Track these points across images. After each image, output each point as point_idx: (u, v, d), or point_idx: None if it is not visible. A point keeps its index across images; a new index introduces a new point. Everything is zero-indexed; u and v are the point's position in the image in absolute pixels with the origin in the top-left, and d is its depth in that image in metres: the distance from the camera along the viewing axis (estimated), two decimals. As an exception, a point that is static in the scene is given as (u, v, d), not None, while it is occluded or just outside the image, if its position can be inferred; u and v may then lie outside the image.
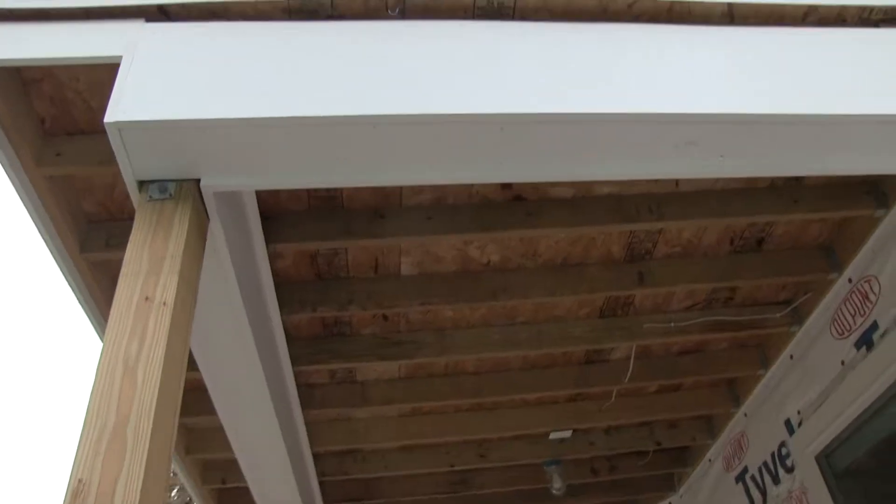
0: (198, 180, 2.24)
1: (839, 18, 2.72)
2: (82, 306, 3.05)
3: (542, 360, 4.04)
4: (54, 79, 2.50)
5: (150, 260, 2.08)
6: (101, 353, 1.92)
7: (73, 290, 2.99)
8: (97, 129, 2.66)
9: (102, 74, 2.47)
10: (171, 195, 2.20)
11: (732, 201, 3.25)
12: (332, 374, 3.86)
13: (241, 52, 2.31)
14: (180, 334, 2.03)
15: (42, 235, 2.79)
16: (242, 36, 2.35)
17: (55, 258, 2.88)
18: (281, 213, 2.99)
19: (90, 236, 2.93)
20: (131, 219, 2.93)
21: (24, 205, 2.68)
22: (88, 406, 1.84)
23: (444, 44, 2.44)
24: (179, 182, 2.22)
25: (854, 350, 3.47)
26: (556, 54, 2.48)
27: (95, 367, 1.90)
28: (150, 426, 1.81)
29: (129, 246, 2.11)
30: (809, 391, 3.77)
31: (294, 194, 2.95)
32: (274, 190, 2.89)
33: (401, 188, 2.98)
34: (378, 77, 2.30)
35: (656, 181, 3.16)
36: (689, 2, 2.60)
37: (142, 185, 2.24)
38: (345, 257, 3.21)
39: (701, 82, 2.50)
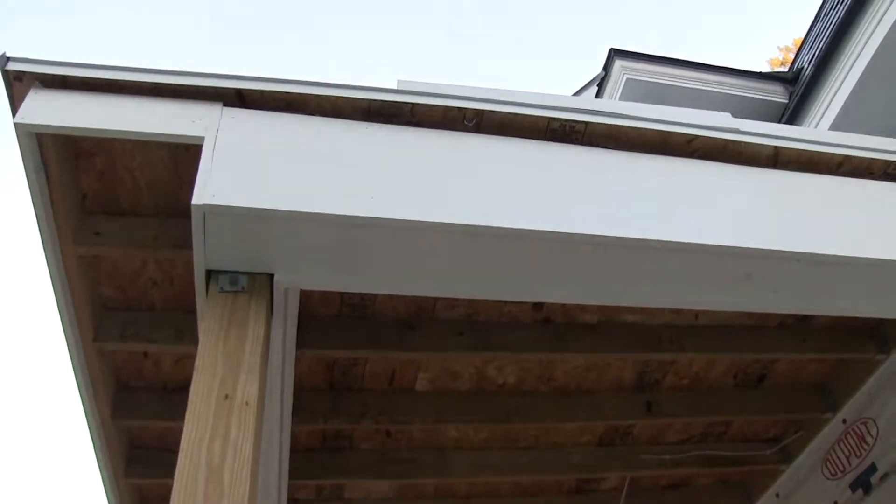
0: (271, 275, 2.14)
1: (868, 170, 2.88)
2: (82, 393, 2.82)
3: (533, 486, 3.93)
4: (109, 154, 2.38)
5: (225, 356, 1.95)
6: (181, 454, 1.76)
7: (77, 376, 2.77)
8: (139, 211, 2.55)
9: (161, 154, 2.39)
10: (243, 288, 2.09)
11: (745, 337, 3.31)
12: (318, 490, 3.65)
13: (320, 148, 2.27)
14: (260, 435, 1.88)
15: (61, 317, 2.59)
16: (322, 132, 2.31)
17: (68, 342, 2.67)
18: (309, 316, 2.87)
19: (104, 323, 2.74)
20: (149, 309, 2.82)
21: (52, 283, 2.49)
22: (170, 511, 1.67)
23: (517, 160, 2.46)
24: (252, 275, 2.12)
25: (849, 491, 3.51)
26: (621, 181, 2.54)
27: (177, 468, 1.74)
28: (241, 536, 1.65)
29: (202, 340, 1.98)
30: (800, 532, 3.77)
31: (327, 297, 2.85)
32: (308, 291, 2.79)
33: (436, 301, 2.92)
34: (456, 186, 2.29)
35: (678, 313, 3.20)
36: (740, 142, 2.71)
37: (210, 274, 2.12)
38: (363, 368, 3.10)
39: (755, 218, 2.59)
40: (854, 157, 2.85)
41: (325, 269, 2.20)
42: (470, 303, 2.95)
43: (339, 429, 3.32)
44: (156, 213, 2.55)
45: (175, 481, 1.71)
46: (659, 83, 5.52)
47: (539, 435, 3.61)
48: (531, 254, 2.33)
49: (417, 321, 2.96)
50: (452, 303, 2.94)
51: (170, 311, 2.81)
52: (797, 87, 5.23)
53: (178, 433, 3.26)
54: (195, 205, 1.98)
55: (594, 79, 5.78)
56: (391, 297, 2.88)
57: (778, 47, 18.04)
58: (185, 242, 2.54)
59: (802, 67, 5.44)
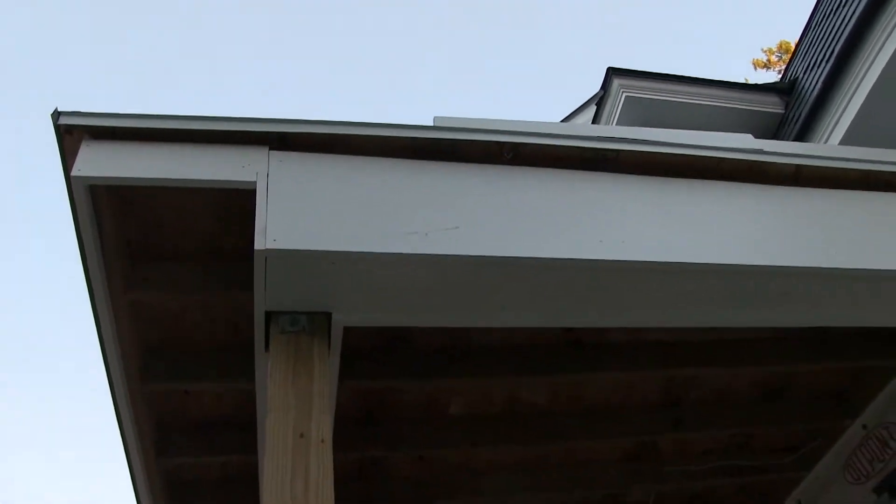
0: (328, 314, 2.19)
1: (887, 183, 2.96)
2: (126, 435, 2.84)
3: (561, 504, 3.98)
4: (154, 201, 2.42)
5: (296, 396, 2.00)
6: (265, 494, 1.81)
7: (121, 417, 2.79)
8: (182, 256, 2.59)
9: (205, 199, 2.42)
10: (304, 328, 2.14)
11: (766, 350, 3.39)
12: (352, 519, 3.68)
13: (369, 187, 2.33)
14: (332, 472, 1.92)
15: (107, 361, 2.62)
16: (367, 171, 2.37)
17: (113, 385, 2.70)
18: (347, 347, 2.91)
19: (149, 365, 2.77)
20: (191, 350, 2.85)
21: (100, 328, 2.52)
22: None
23: (555, 190, 2.53)
24: (311, 315, 2.17)
25: (874, 496, 3.58)
26: (653, 207, 2.60)
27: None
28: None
29: (271, 380, 2.02)
30: (824, 538, 3.84)
31: (367, 331, 2.89)
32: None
33: (470, 329, 2.97)
34: (503, 219, 2.36)
35: (703, 329, 3.27)
36: (764, 162, 2.79)
37: (270, 316, 2.16)
38: (399, 397, 3.14)
39: (783, 237, 2.68)
40: (873, 171, 2.94)
41: (380, 307, 2.26)
42: (503, 330, 3.01)
43: (376, 456, 3.35)
44: (198, 258, 2.59)
45: (262, 523, 1.75)
46: (657, 99, 5.64)
47: (568, 454, 3.67)
48: (571, 281, 2.40)
49: (453, 349, 3.01)
50: (487, 330, 3.00)
51: (210, 350, 2.84)
52: (799, 98, 5.33)
53: (215, 469, 3.31)
54: (257, 250, 2.03)
55: (592, 98, 5.89)
56: (427, 327, 2.93)
57: (762, 49, 18.29)
58: (227, 285, 2.60)
59: (797, 77, 5.57)
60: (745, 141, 2.92)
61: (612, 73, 5.71)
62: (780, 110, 5.63)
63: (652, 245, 2.43)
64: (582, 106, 6.05)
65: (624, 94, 5.62)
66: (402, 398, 3.15)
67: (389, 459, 3.40)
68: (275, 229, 2.07)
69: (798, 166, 2.84)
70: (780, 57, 16.75)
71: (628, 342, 3.22)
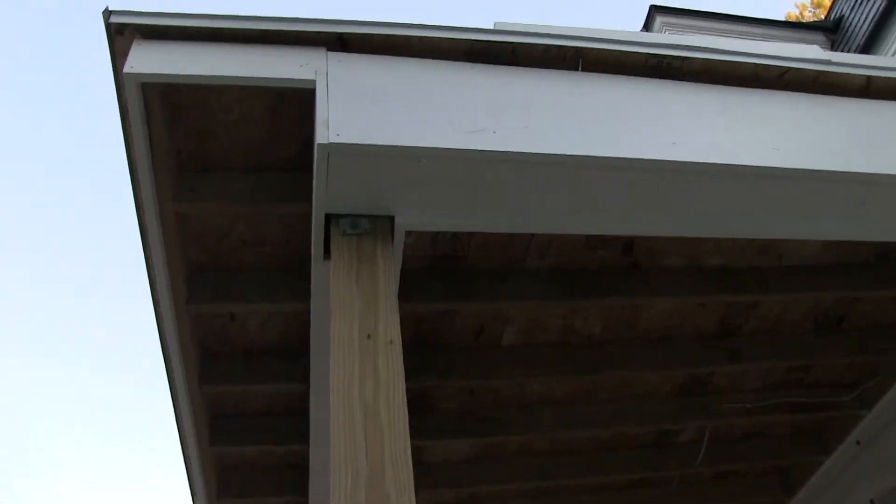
0: (391, 217, 2.09)
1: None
2: (171, 359, 2.78)
3: (612, 440, 3.88)
4: (205, 107, 2.33)
5: (361, 297, 1.91)
6: (333, 395, 1.73)
7: (165, 340, 2.73)
8: (231, 167, 2.50)
9: (257, 107, 2.34)
10: (366, 231, 2.04)
11: (828, 277, 3.27)
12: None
13: (431, 88, 2.25)
14: (403, 374, 1.84)
15: (153, 279, 2.55)
16: (427, 73, 2.28)
17: (158, 305, 2.63)
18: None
19: (194, 285, 2.69)
20: (238, 270, 2.76)
21: (146, 243, 2.45)
22: (333, 454, 1.63)
23: (620, 96, 2.43)
24: (372, 218, 2.08)
25: (941, 435, 3.46)
26: (719, 113, 2.50)
27: (331, 409, 1.70)
28: (408, 475, 1.63)
29: (334, 282, 1.94)
30: (886, 479, 3.72)
31: (418, 250, 2.80)
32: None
33: (527, 249, 2.88)
34: (568, 121, 2.26)
35: (762, 255, 3.16)
36: (831, 73, 2.67)
37: (330, 219, 2.07)
38: (451, 322, 3.05)
39: (857, 146, 2.56)
40: (945, 82, 2.80)
41: (444, 209, 2.17)
42: (560, 251, 2.91)
43: (424, 387, 3.27)
44: (248, 169, 2.51)
45: (332, 423, 1.67)
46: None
47: (621, 386, 3.57)
48: (641, 184, 2.29)
49: (506, 271, 2.92)
50: (543, 252, 2.90)
51: (260, 271, 2.76)
52: (846, 36, 5.14)
53: (261, 399, 3.25)
54: (320, 144, 1.94)
55: (635, 36, 5.71)
56: (481, 248, 2.84)
57: (795, 3, 17.93)
58: (278, 197, 2.51)
59: (843, 15, 5.38)
60: (814, 52, 2.80)
61: (655, 10, 5.55)
62: (825, 49, 5.45)
63: (727, 149, 2.34)
64: (624, 45, 5.89)
65: (667, 32, 5.46)
66: (454, 325, 3.07)
67: (440, 389, 3.32)
68: (337, 124, 1.98)
69: (869, 77, 2.72)
70: (814, 13, 16.39)
71: (686, 266, 3.12)
